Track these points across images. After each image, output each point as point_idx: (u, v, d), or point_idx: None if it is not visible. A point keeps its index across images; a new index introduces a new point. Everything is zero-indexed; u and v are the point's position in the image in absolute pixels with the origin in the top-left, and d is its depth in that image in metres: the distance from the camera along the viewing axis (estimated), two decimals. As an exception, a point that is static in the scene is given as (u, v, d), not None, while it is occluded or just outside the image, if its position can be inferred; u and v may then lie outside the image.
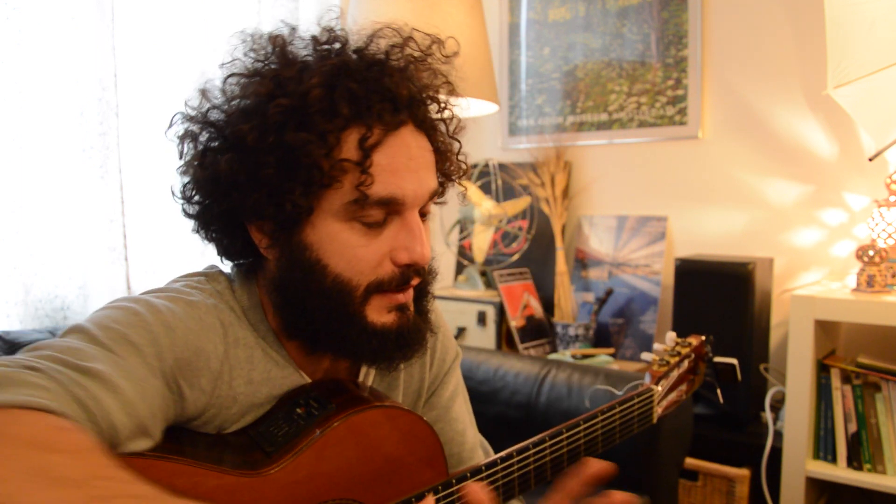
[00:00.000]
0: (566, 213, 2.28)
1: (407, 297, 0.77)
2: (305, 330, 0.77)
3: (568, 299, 2.21)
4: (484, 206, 2.20)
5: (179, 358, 0.69)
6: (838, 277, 1.87)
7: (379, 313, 0.76)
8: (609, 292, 2.11)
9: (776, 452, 1.64)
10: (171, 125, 0.78)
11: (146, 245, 1.66)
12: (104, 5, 1.51)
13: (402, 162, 0.73)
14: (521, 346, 2.11)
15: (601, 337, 2.15)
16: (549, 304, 2.26)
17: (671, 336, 1.15)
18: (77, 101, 1.49)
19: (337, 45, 0.77)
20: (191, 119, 0.77)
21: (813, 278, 1.92)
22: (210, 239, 0.81)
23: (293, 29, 0.78)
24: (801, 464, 1.58)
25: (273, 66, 0.75)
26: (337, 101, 0.71)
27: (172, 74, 1.70)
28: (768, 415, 1.72)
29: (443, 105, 0.81)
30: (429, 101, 0.78)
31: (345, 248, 0.73)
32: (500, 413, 1.61)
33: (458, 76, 0.82)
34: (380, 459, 0.77)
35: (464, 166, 0.85)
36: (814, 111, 1.90)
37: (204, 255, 1.77)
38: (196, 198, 0.77)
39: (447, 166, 0.82)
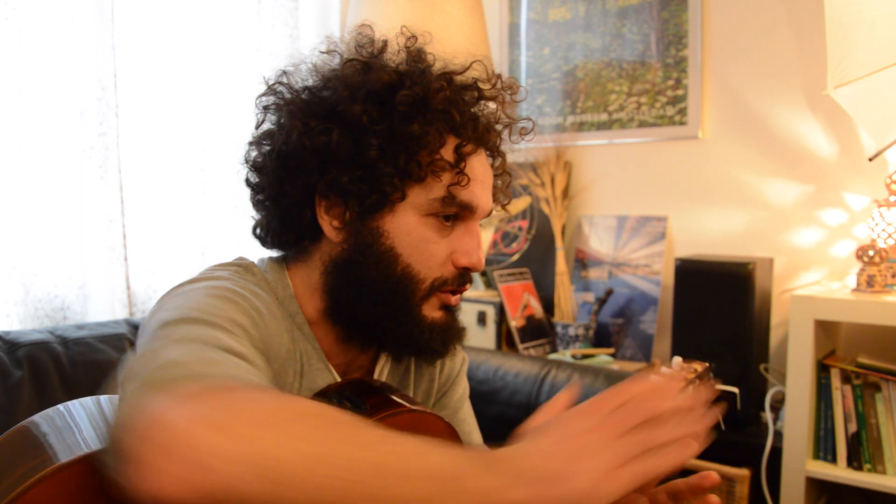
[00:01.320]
0: (566, 213, 2.28)
1: (457, 300, 0.83)
2: (355, 315, 0.80)
3: (568, 299, 2.21)
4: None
5: (266, 340, 0.72)
6: (838, 277, 1.87)
7: (432, 309, 0.80)
8: (609, 292, 2.11)
9: (776, 452, 1.64)
10: (262, 94, 0.83)
11: (146, 245, 1.66)
12: (104, 5, 1.51)
13: (480, 177, 0.81)
14: (521, 346, 2.11)
15: (601, 337, 2.15)
16: (549, 304, 2.26)
17: (677, 361, 1.18)
18: (77, 101, 1.49)
19: (436, 63, 0.83)
20: (282, 89, 0.81)
21: (813, 278, 1.92)
22: (271, 212, 0.83)
23: (385, 42, 0.83)
24: (801, 464, 1.58)
25: (387, 62, 0.81)
26: (452, 106, 0.78)
27: (172, 74, 1.70)
28: (768, 415, 1.71)
29: (504, 141, 0.89)
30: (499, 134, 0.87)
31: (420, 241, 0.78)
32: (500, 413, 1.61)
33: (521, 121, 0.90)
34: None
35: (508, 198, 0.92)
36: (814, 111, 1.90)
37: (204, 255, 1.77)
38: (274, 168, 0.80)
39: (497, 194, 0.89)
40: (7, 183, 1.37)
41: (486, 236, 2.29)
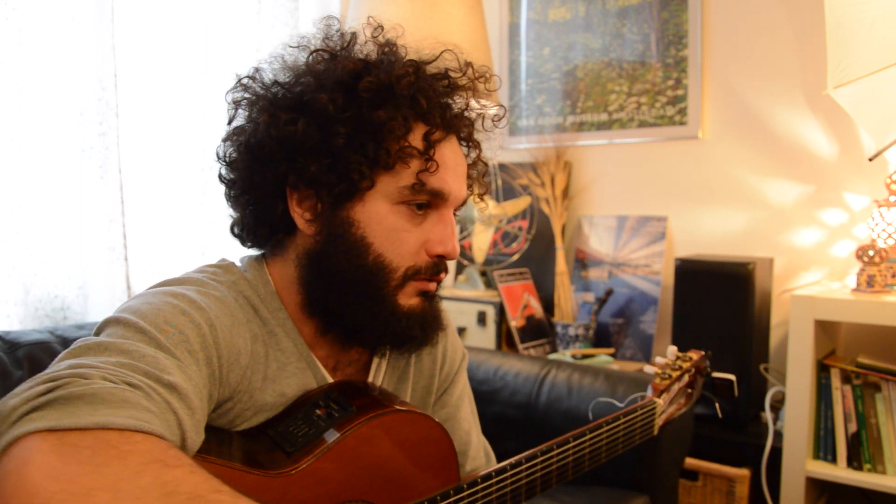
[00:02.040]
0: (566, 213, 2.28)
1: (434, 287, 0.82)
2: (329, 307, 0.79)
3: (568, 299, 2.21)
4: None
5: (221, 356, 0.71)
6: (838, 277, 1.87)
7: (408, 297, 0.80)
8: (609, 292, 2.11)
9: (776, 452, 1.64)
10: (231, 89, 0.83)
11: (146, 245, 1.66)
12: (104, 5, 1.51)
13: (451, 164, 0.80)
14: (521, 346, 2.11)
15: (601, 337, 2.15)
16: (549, 304, 2.26)
17: (672, 350, 1.17)
18: (77, 101, 1.48)
19: (404, 52, 0.83)
20: (254, 85, 0.81)
21: (813, 278, 1.92)
22: (245, 207, 0.82)
23: (354, 34, 0.83)
24: (801, 464, 1.58)
25: (353, 52, 0.81)
26: (418, 93, 0.77)
27: (172, 74, 1.70)
28: (768, 415, 1.71)
29: (479, 129, 0.88)
30: (472, 123, 0.86)
31: (391, 230, 0.77)
32: (500, 413, 1.61)
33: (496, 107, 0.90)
34: (396, 463, 0.78)
35: (485, 188, 0.92)
36: (814, 111, 1.90)
37: (204, 255, 1.77)
38: (244, 161, 0.80)
39: (472, 184, 0.89)
40: (7, 183, 1.37)
41: (487, 236, 2.29)
